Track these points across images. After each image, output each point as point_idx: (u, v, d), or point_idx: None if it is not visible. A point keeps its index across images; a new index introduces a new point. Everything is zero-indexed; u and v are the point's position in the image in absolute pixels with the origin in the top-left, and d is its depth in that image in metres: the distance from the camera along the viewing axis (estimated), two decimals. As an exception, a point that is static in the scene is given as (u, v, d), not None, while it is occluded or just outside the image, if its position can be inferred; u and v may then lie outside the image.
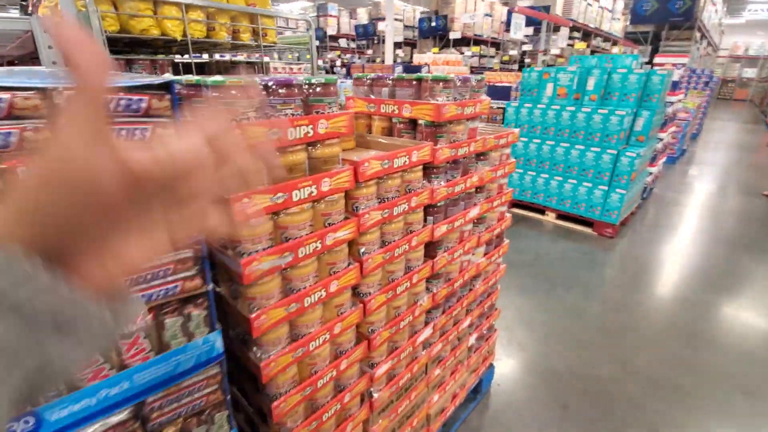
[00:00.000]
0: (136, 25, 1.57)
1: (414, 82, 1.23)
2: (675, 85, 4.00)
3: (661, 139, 4.09)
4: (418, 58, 9.88)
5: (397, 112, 1.23)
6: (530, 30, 7.17)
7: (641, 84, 3.45)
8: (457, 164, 1.32)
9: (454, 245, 1.41)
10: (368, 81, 1.33)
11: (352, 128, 0.96)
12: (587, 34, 16.00)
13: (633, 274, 3.02)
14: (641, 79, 3.41)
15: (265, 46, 2.14)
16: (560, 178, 3.81)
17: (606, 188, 3.54)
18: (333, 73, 10.81)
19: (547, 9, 13.77)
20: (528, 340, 2.29)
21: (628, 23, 14.12)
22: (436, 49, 9.65)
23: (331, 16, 19.72)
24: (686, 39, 12.81)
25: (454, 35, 10.21)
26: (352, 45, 20.95)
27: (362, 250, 1.07)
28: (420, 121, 1.23)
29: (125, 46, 1.86)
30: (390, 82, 1.28)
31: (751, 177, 5.99)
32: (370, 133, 1.39)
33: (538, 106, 3.76)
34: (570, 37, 14.43)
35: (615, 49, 15.36)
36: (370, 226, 1.05)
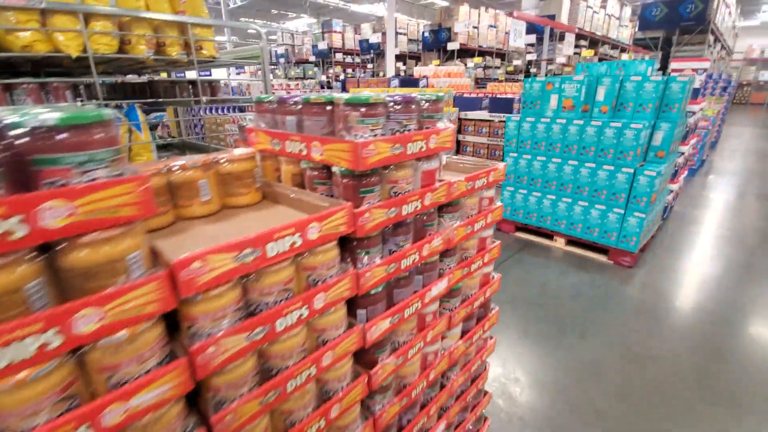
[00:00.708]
0: (14, 41, 1.25)
1: (327, 108, 0.84)
2: (696, 93, 3.58)
3: (682, 153, 3.65)
4: (418, 71, 9.59)
5: (305, 152, 0.85)
6: (532, 38, 6.79)
7: (659, 93, 3.03)
8: (402, 227, 0.92)
9: (409, 338, 1.01)
10: (272, 106, 0.94)
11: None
12: (594, 42, 15.62)
13: (657, 314, 2.56)
14: (659, 87, 2.99)
15: (200, 62, 1.81)
16: (569, 200, 3.37)
17: (622, 212, 3.10)
18: (331, 88, 10.57)
19: (552, 17, 13.49)
20: (533, 413, 1.85)
21: (636, 30, 13.74)
22: (437, 61, 9.35)
23: (335, 32, 19.85)
24: (699, 43, 12.29)
25: (452, 46, 9.92)
26: (357, 60, 20.99)
27: (215, 399, 0.66)
28: (334, 169, 0.84)
29: (6, 67, 1.55)
30: (296, 107, 0.89)
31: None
32: (279, 180, 1.01)
33: (542, 119, 3.35)
34: (577, 46, 14.09)
35: (624, 56, 14.91)
36: (219, 365, 0.64)
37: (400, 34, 17.56)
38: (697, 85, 3.57)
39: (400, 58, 18.76)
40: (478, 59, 9.87)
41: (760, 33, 22.77)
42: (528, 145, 3.50)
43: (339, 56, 20.58)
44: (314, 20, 26.45)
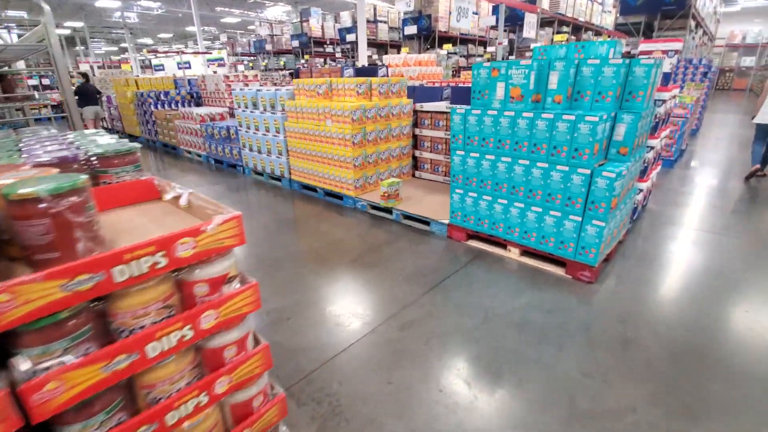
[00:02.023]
0: None
1: None
2: (666, 78, 3.14)
3: (652, 148, 3.22)
4: (387, 59, 9.04)
5: None
6: (492, 19, 6.30)
7: (620, 78, 2.58)
8: None
9: None
10: None
11: None
12: (577, 28, 15.21)
13: (616, 349, 2.13)
14: (620, 72, 2.53)
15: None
16: (521, 205, 2.92)
17: (579, 219, 2.66)
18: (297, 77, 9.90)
19: (533, 2, 13.03)
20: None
21: (618, 15, 13.38)
22: (406, 49, 8.82)
23: (314, 20, 19.12)
24: (680, 28, 11.93)
25: (408, 31, 9.42)
26: (338, 49, 20.35)
27: None
28: None
29: None
30: None
31: (760, 182, 5.09)
32: None
33: (489, 112, 2.88)
34: (559, 32, 13.66)
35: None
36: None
37: (381, 22, 17.00)
38: (667, 68, 3.14)
39: (381, 46, 18.20)
40: (448, 46, 9.35)
41: (741, 19, 22.56)
42: (475, 141, 3.03)
43: (320, 47, 19.95)
44: (289, 8, 25.57)
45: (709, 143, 7.90)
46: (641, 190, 3.42)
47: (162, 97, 8.56)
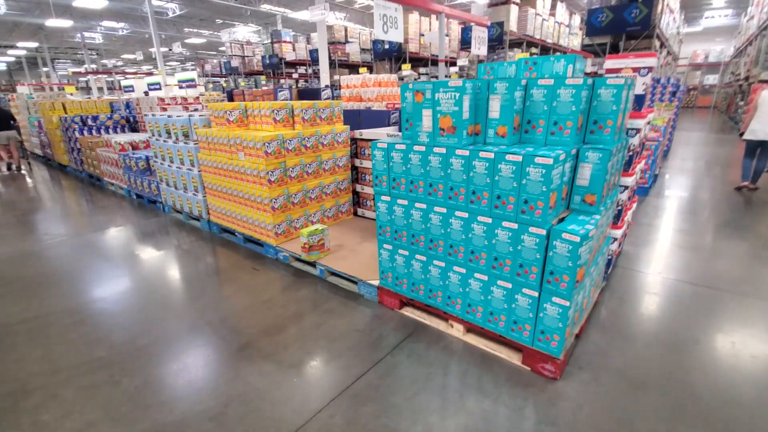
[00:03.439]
0: None
1: None
2: (640, 101, 2.52)
3: (626, 187, 2.57)
4: (345, 81, 8.41)
5: None
6: (435, 35, 5.76)
7: (582, 103, 1.91)
8: None
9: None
10: None
11: None
12: (546, 50, 15.13)
13: None
14: (580, 95, 1.86)
15: None
16: (462, 270, 2.19)
17: (535, 295, 1.93)
18: (232, 99, 9.18)
19: (501, 25, 12.81)
20: None
21: (584, 36, 13.34)
22: (364, 69, 8.27)
23: (285, 42, 18.76)
24: (645, 48, 11.84)
25: (348, 52, 8.89)
26: (310, 70, 19.94)
27: None
28: None
29: None
30: None
31: (741, 212, 4.56)
32: None
33: (416, 148, 2.17)
34: (531, 54, 13.48)
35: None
36: None
37: (353, 42, 16.72)
38: (640, 90, 2.51)
39: (354, 67, 17.84)
40: (407, 66, 8.80)
41: (703, 39, 23.28)
42: (402, 184, 2.30)
43: (292, 68, 19.52)
44: (258, 28, 25.11)
45: (682, 164, 7.49)
46: (615, 239, 2.75)
47: (90, 122, 7.65)
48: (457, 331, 2.35)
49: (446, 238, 2.20)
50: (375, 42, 14.94)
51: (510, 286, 2.01)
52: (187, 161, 4.23)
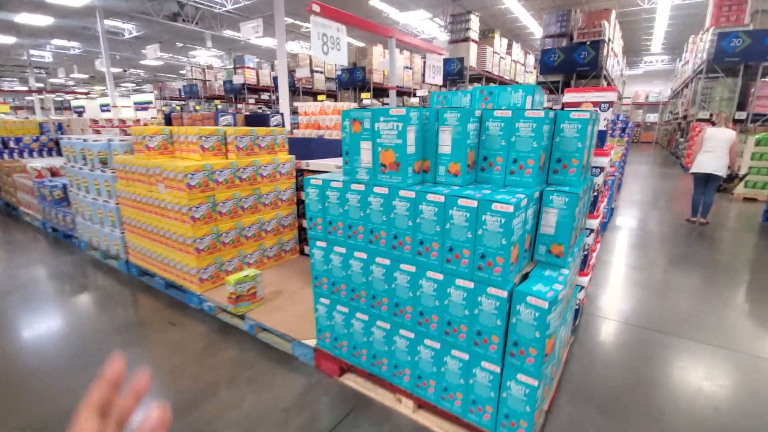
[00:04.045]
0: None
1: None
2: (602, 137, 2.33)
3: (591, 230, 2.33)
4: (303, 108, 8.12)
5: None
6: (387, 63, 5.62)
7: (544, 139, 1.63)
8: None
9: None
10: None
11: None
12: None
13: None
14: (542, 129, 1.59)
15: None
16: (410, 335, 1.80)
17: (496, 369, 1.57)
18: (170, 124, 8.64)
19: (461, 61, 13.17)
20: None
21: (539, 74, 14.00)
22: (323, 97, 8.03)
23: (248, 68, 18.45)
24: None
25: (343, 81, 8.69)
26: (274, 97, 19.62)
27: None
28: None
29: None
30: None
31: (697, 246, 4.53)
32: None
33: (354, 186, 1.80)
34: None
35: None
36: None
37: (317, 72, 16.67)
38: (602, 125, 2.32)
39: (316, 96, 17.74)
40: (366, 95, 8.65)
41: (643, 80, 25.29)
42: (339, 229, 1.92)
43: (255, 93, 19.22)
44: (220, 53, 24.69)
45: (634, 198, 7.65)
46: (582, 287, 2.48)
47: (12, 144, 6.81)
48: (406, 407, 1.93)
49: (391, 295, 1.81)
50: (340, 72, 14.97)
51: (467, 357, 1.63)
52: (104, 192, 3.66)
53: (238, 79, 17.00)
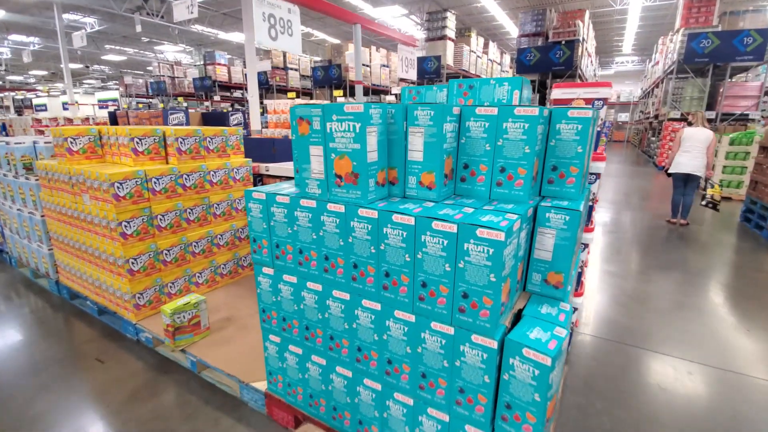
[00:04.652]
0: None
1: None
2: (598, 140, 2.05)
3: (586, 245, 2.04)
4: (272, 106, 7.66)
5: None
6: (352, 56, 5.28)
7: (537, 141, 1.31)
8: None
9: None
10: None
11: None
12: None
13: None
14: (535, 129, 1.26)
15: None
16: (376, 386, 1.45)
17: (485, 437, 1.24)
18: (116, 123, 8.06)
19: (438, 59, 12.92)
20: None
21: (515, 74, 13.92)
22: (293, 94, 7.60)
23: (219, 64, 17.75)
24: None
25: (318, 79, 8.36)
26: (247, 94, 18.95)
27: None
28: None
29: None
30: None
31: (681, 250, 4.38)
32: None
33: (304, 202, 1.43)
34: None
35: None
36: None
37: (292, 69, 16.14)
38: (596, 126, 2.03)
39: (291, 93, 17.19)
40: (339, 92, 8.28)
41: (615, 80, 25.83)
42: (289, 253, 1.54)
43: (227, 91, 18.56)
44: (189, 49, 23.70)
45: (611, 197, 7.56)
46: (576, 308, 2.19)
47: (-61, 145, 6.05)
48: (373, 470, 1.58)
49: (352, 336, 1.46)
50: (314, 69, 14.50)
51: (446, 418, 1.30)
52: (30, 202, 3.15)
53: (200, 75, 16.27)
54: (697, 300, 3.23)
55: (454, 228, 1.11)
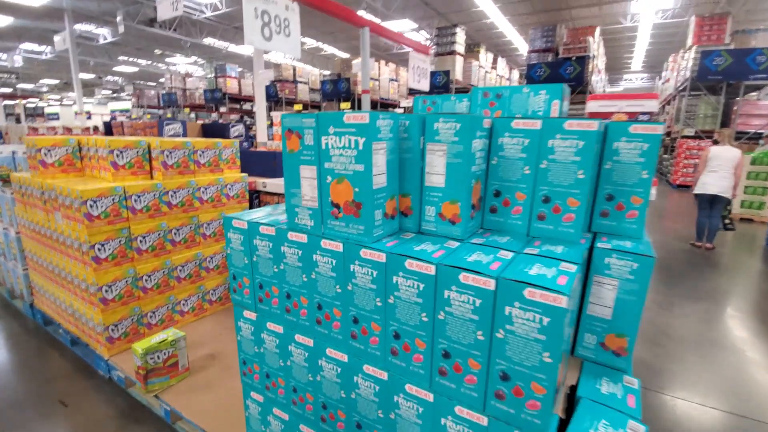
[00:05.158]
0: None
1: None
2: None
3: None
4: (277, 118, 7.50)
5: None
6: (359, 64, 5.05)
7: (593, 164, 1.02)
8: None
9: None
10: None
11: None
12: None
13: None
14: (591, 149, 0.97)
15: None
16: (380, 475, 1.13)
17: None
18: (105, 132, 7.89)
19: (447, 73, 12.79)
20: None
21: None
22: (299, 106, 7.42)
23: (230, 77, 17.88)
24: (581, 102, 12.29)
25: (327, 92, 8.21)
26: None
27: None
28: None
29: None
30: None
31: (709, 276, 4.00)
32: None
33: (291, 236, 1.14)
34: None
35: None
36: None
37: (301, 82, 16.16)
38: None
39: (303, 107, 17.21)
40: (345, 104, 8.08)
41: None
42: (274, 297, 1.25)
43: (236, 103, 18.72)
44: (202, 61, 23.93)
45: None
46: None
47: (-65, 154, 5.89)
48: None
49: (350, 408, 1.14)
50: (323, 82, 14.44)
51: None
52: (6, 217, 2.90)
53: (212, 86, 16.32)
54: (728, 335, 2.86)
55: (491, 284, 0.81)
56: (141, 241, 2.27)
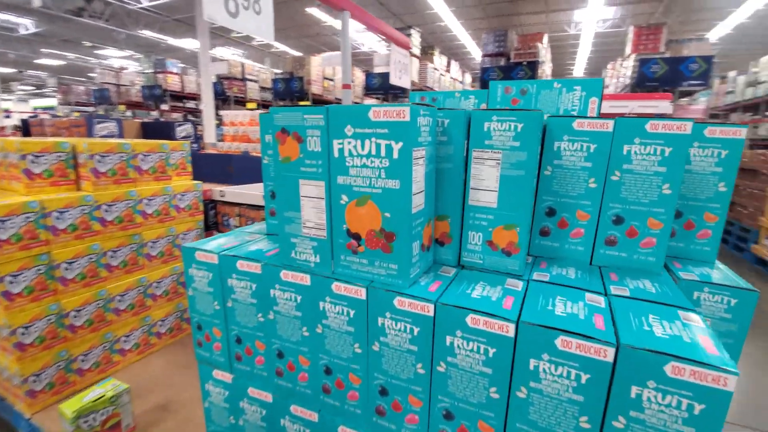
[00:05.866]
0: None
1: None
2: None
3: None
4: (230, 118, 6.95)
5: None
6: (330, 58, 4.76)
7: (679, 180, 0.81)
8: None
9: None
10: None
11: None
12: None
13: None
14: (682, 156, 0.76)
15: None
16: None
17: None
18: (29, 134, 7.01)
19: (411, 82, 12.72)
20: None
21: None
22: (253, 104, 6.91)
23: (171, 73, 16.60)
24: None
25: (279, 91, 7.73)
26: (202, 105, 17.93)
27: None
28: None
29: None
30: None
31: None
32: None
33: (285, 276, 0.83)
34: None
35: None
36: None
37: (251, 80, 15.34)
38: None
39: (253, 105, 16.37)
40: (306, 103, 7.65)
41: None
42: (259, 354, 0.92)
43: (179, 101, 17.42)
44: (139, 55, 22.11)
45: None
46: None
47: None
48: None
49: (371, 502, 0.85)
50: (275, 81, 13.80)
51: None
52: None
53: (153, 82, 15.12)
54: None
55: (609, 354, 0.56)
56: (66, 269, 1.81)
